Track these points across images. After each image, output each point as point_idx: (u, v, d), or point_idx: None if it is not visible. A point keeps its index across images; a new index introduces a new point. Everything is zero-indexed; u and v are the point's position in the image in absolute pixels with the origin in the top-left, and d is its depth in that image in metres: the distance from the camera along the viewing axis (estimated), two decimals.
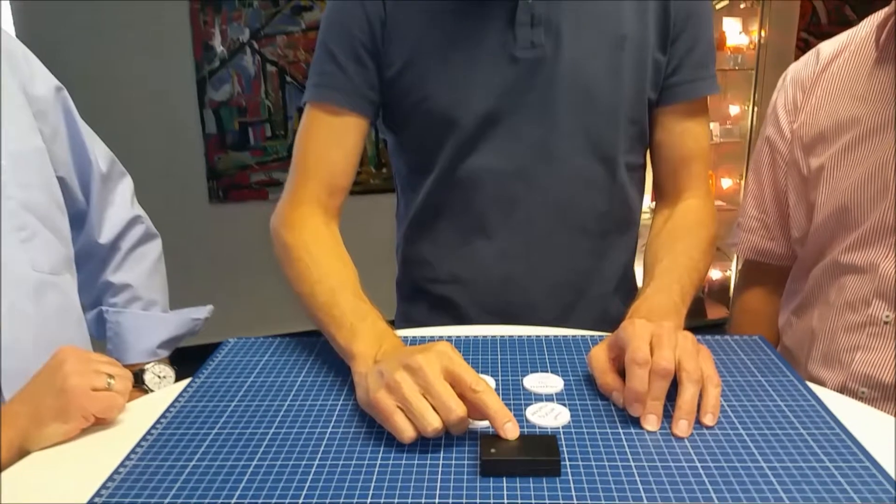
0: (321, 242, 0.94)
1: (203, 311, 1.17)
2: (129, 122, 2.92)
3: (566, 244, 1.04)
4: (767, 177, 1.07)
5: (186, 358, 1.17)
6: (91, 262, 1.09)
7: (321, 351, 0.90)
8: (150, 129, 2.98)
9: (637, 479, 0.63)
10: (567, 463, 0.65)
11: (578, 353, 0.87)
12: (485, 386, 0.67)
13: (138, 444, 0.70)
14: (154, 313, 1.12)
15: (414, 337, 0.94)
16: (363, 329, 0.79)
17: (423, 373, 0.67)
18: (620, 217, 1.06)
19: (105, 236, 1.08)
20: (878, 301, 0.92)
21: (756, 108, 3.32)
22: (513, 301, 1.06)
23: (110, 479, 0.65)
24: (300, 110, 0.97)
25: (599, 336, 0.92)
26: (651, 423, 0.71)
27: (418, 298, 1.13)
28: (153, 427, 0.73)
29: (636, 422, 0.72)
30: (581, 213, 1.03)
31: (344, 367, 0.81)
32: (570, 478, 0.63)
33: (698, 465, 0.65)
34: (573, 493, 0.61)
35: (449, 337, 0.93)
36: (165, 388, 0.84)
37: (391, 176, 1.17)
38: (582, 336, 0.92)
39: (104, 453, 0.69)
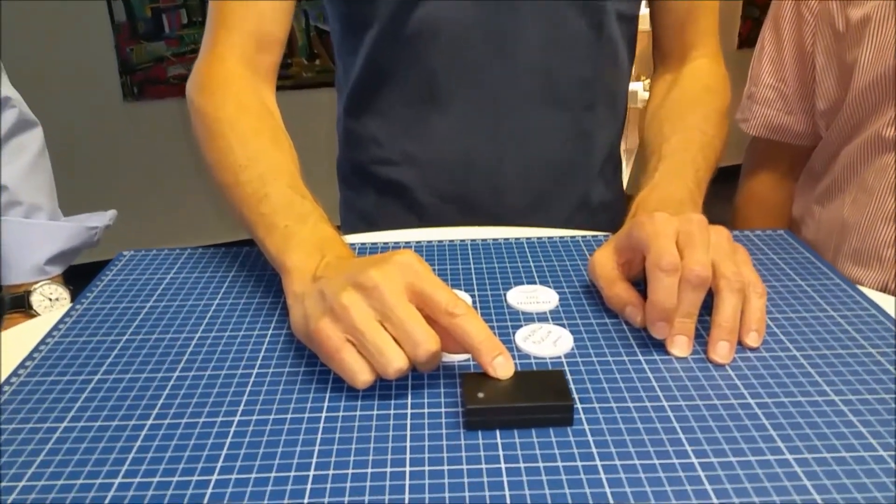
0: (250, 114, 0.72)
1: (102, 218, 0.95)
2: (28, 10, 2.57)
3: (540, 118, 0.85)
4: (789, 35, 0.89)
5: (87, 277, 0.96)
6: None
7: (249, 263, 0.70)
8: (51, 19, 2.64)
9: (675, 423, 0.47)
10: (579, 407, 0.48)
11: (572, 259, 0.70)
12: (464, 307, 0.49)
13: (6, 382, 0.52)
14: (39, 221, 0.90)
15: (365, 244, 0.75)
16: (301, 233, 0.59)
17: (380, 292, 0.48)
18: (608, 84, 0.87)
19: None
20: None
21: None
22: (475, 186, 0.87)
23: None
24: None
25: (596, 237, 0.74)
26: (681, 346, 0.54)
27: (363, 184, 0.93)
28: (24, 362, 0.54)
29: (660, 346, 0.55)
30: (559, 79, 0.83)
31: (277, 283, 0.62)
32: (587, 427, 0.47)
33: (750, 399, 0.49)
34: (593, 450, 0.45)
35: (408, 243, 0.74)
36: (57, 313, 0.64)
37: (326, 69, 0.95)
38: (572, 236, 0.74)
39: None
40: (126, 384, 0.52)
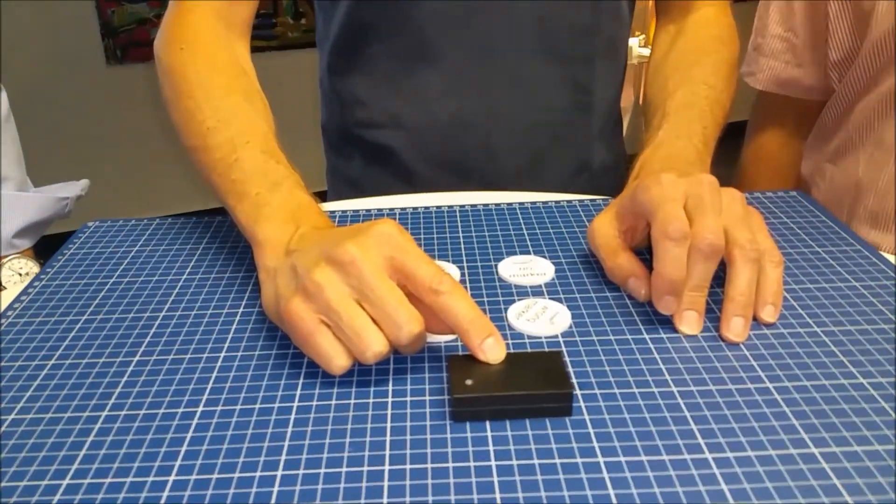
0: (220, 71, 0.65)
1: (74, 188, 0.90)
2: None
3: (536, 73, 0.79)
4: None
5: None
6: None
7: (222, 233, 0.65)
8: None
9: (685, 411, 0.42)
10: (578, 394, 0.44)
11: (569, 226, 0.65)
12: (449, 283, 0.44)
13: None
14: (5, 192, 0.85)
15: (348, 212, 0.69)
16: (274, 201, 0.54)
17: (357, 268, 0.43)
18: (608, 34, 0.81)
19: None
20: None
21: None
22: (467, 148, 0.81)
23: None
24: None
25: (595, 201, 0.69)
26: (690, 323, 0.49)
27: (349, 149, 0.87)
28: None
29: (667, 323, 0.50)
30: (555, 27, 0.77)
31: (251, 256, 0.57)
32: (587, 417, 0.42)
33: (768, 382, 0.44)
34: (594, 443, 0.40)
35: (392, 209, 0.69)
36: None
37: (312, 28, 0.89)
38: (569, 201, 0.69)
39: None
40: (82, 370, 0.47)
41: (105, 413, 0.44)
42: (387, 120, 0.81)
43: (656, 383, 0.45)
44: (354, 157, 0.86)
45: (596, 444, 0.40)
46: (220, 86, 0.64)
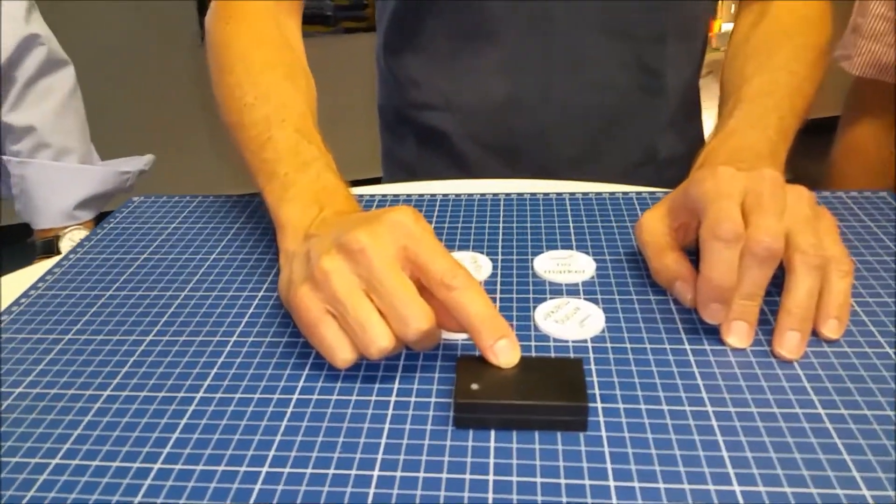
0: (265, 46, 0.64)
1: (137, 163, 0.91)
2: None
3: (602, 52, 0.74)
4: None
5: None
6: None
7: (259, 213, 0.64)
8: None
9: (718, 435, 0.37)
10: (599, 407, 0.40)
11: (620, 220, 0.60)
12: (463, 278, 0.40)
13: None
14: (68, 164, 0.86)
15: (373, 196, 0.66)
16: (300, 183, 0.51)
17: (367, 257, 0.41)
18: (681, 11, 0.74)
19: None
20: None
21: None
22: (519, 131, 0.77)
23: None
24: None
25: (654, 194, 0.64)
26: (739, 335, 0.44)
27: (403, 131, 0.84)
28: (13, 305, 0.50)
29: (713, 333, 0.45)
30: (622, 4, 0.72)
31: None
32: (604, 434, 0.38)
33: (821, 409, 0.39)
34: (608, 465, 0.36)
35: (420, 197, 0.65)
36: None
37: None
38: (625, 192, 0.64)
39: None
40: (94, 347, 0.47)
41: (106, 393, 0.42)
42: (439, 101, 0.78)
43: (690, 401, 0.40)
44: (408, 140, 0.84)
45: (609, 466, 0.36)
46: (262, 61, 0.62)
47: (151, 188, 0.80)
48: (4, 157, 0.85)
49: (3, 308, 0.52)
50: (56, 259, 0.58)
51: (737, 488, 0.34)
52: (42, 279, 0.55)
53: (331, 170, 0.53)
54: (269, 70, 0.61)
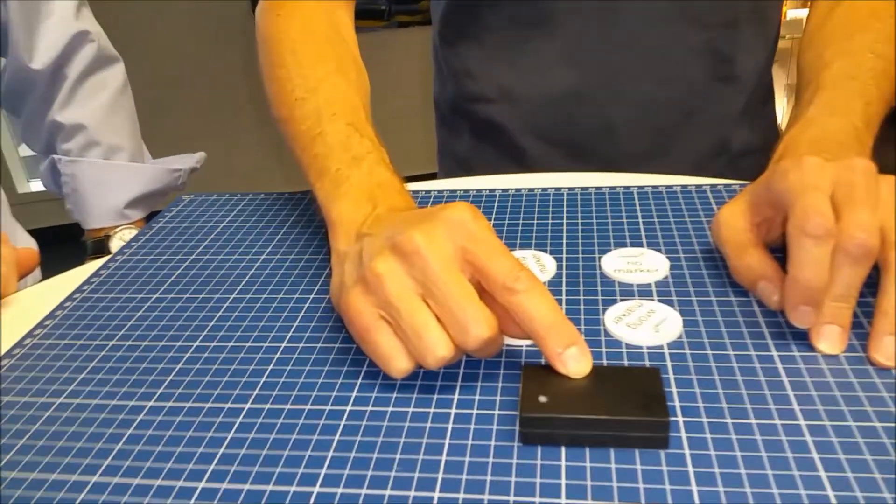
0: (316, 38, 0.61)
1: (189, 161, 0.90)
2: None
3: (669, 39, 0.70)
4: None
5: None
6: (30, 96, 0.83)
7: (311, 211, 0.61)
8: None
9: (813, 452, 0.33)
10: (680, 421, 0.36)
11: (694, 215, 0.56)
12: (527, 280, 0.37)
13: (11, 351, 0.45)
14: (118, 162, 0.85)
15: (429, 192, 0.63)
16: (353, 178, 0.49)
17: (423, 259, 0.38)
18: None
19: (39, 59, 0.80)
20: None
21: None
22: (584, 125, 0.73)
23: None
24: None
25: (730, 187, 0.60)
26: (832, 340, 0.40)
27: (459, 124, 0.82)
28: (44, 321, 0.48)
29: (802, 337, 0.41)
30: None
31: None
32: (687, 451, 0.34)
33: None
34: (693, 486, 0.32)
35: (478, 192, 0.62)
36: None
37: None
38: (698, 185, 0.60)
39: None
40: (138, 354, 0.45)
41: (150, 404, 0.40)
42: (497, 94, 0.75)
43: (781, 414, 0.36)
44: (463, 134, 0.81)
45: (694, 488, 0.32)
46: (313, 54, 0.59)
47: (203, 186, 0.78)
48: (55, 157, 0.84)
49: (49, 311, 0.50)
50: (104, 260, 0.57)
51: None
52: (88, 281, 0.53)
53: (384, 164, 0.50)
54: (320, 64, 0.58)
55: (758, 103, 0.76)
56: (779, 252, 0.46)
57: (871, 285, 0.41)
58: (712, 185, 0.60)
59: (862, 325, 0.42)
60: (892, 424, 0.35)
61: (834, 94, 0.55)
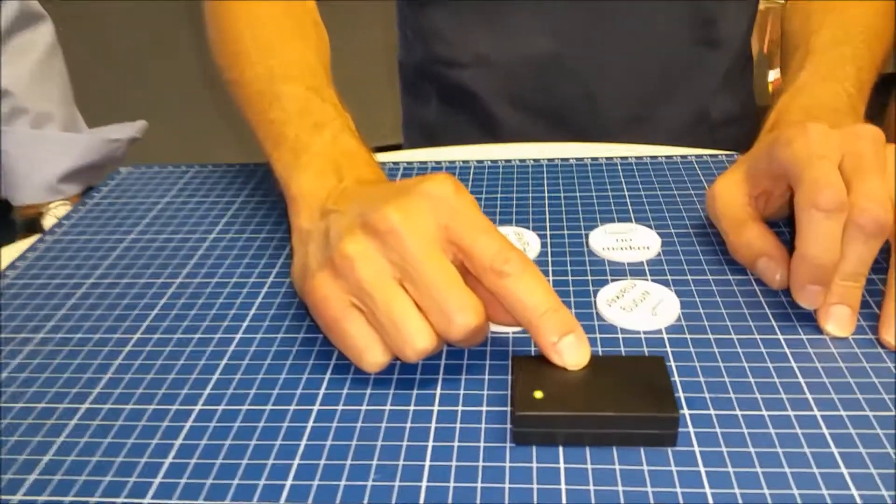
0: None
1: (128, 130, 0.83)
2: None
3: (654, 4, 0.67)
4: None
5: None
6: None
7: (267, 184, 0.56)
8: None
9: (832, 446, 0.30)
10: (686, 415, 0.33)
11: (682, 187, 0.52)
12: (517, 262, 0.33)
13: None
14: (49, 132, 0.78)
15: (397, 164, 0.59)
16: (314, 147, 0.44)
17: (399, 238, 0.33)
18: None
19: None
20: None
21: None
22: (562, 92, 0.70)
23: None
24: None
25: (716, 157, 0.56)
26: (841, 322, 0.37)
27: (426, 90, 0.78)
28: None
29: (809, 319, 0.38)
30: None
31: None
32: (696, 450, 0.31)
33: None
34: (706, 490, 0.29)
35: (450, 164, 0.58)
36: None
37: None
38: (684, 156, 0.57)
39: None
40: (71, 348, 0.39)
41: (85, 406, 0.35)
42: (471, 59, 0.71)
43: (793, 404, 0.33)
44: (431, 100, 0.76)
45: (708, 490, 0.29)
46: (268, 13, 0.54)
47: (145, 158, 0.72)
48: None
49: None
50: (33, 240, 0.51)
51: None
52: (12, 265, 0.48)
53: (350, 131, 0.45)
54: (274, 22, 0.53)
55: (738, 70, 0.74)
56: (779, 227, 0.42)
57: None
58: (698, 156, 0.56)
59: (869, 304, 0.39)
60: None
61: (825, 59, 0.52)
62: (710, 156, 0.56)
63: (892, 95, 0.82)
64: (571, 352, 0.33)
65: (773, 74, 1.51)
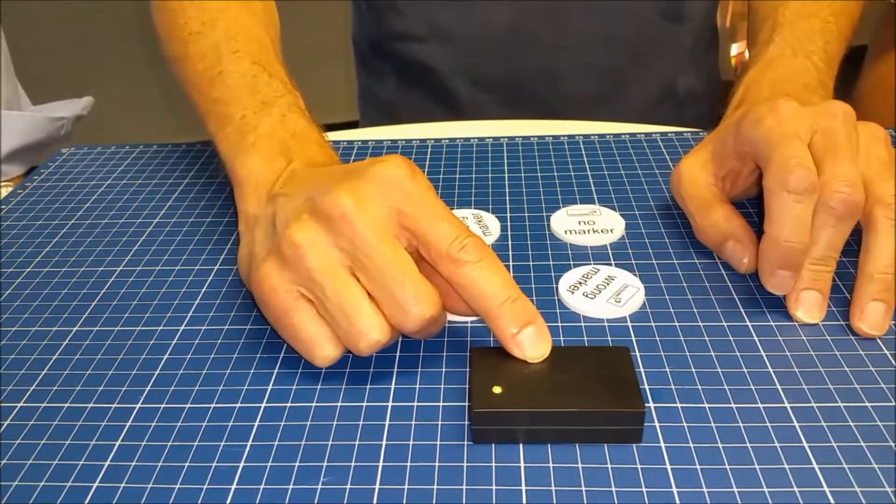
0: None
1: (73, 107, 0.79)
2: None
3: None
4: None
5: None
6: None
7: (213, 166, 0.54)
8: None
9: (802, 440, 0.29)
10: (652, 408, 0.31)
11: (647, 166, 0.51)
12: (475, 249, 0.31)
13: None
14: None
15: (352, 143, 0.57)
16: (262, 126, 0.41)
17: (350, 225, 0.31)
18: None
19: None
20: None
21: None
22: (523, 66, 0.68)
23: None
24: None
25: (681, 134, 0.55)
26: (811, 308, 0.36)
27: (382, 66, 0.75)
28: None
29: (779, 305, 0.37)
30: None
31: None
32: (663, 445, 0.29)
33: None
34: (673, 489, 0.28)
35: (407, 142, 0.56)
36: None
37: None
38: (648, 133, 0.55)
39: None
40: (4, 343, 0.37)
41: (20, 405, 0.33)
42: (426, 32, 0.69)
43: (762, 395, 0.32)
44: (387, 77, 0.74)
45: (675, 490, 0.28)
46: None
47: (91, 138, 0.69)
48: None
49: None
50: None
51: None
52: None
53: (299, 110, 0.43)
54: None
55: (704, 46, 0.73)
56: (746, 208, 0.41)
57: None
58: (662, 134, 0.55)
59: (840, 289, 0.38)
60: (888, 404, 0.31)
61: (793, 33, 0.51)
62: (676, 133, 0.55)
63: (859, 70, 0.81)
64: (531, 344, 0.31)
65: (736, 48, 1.50)
